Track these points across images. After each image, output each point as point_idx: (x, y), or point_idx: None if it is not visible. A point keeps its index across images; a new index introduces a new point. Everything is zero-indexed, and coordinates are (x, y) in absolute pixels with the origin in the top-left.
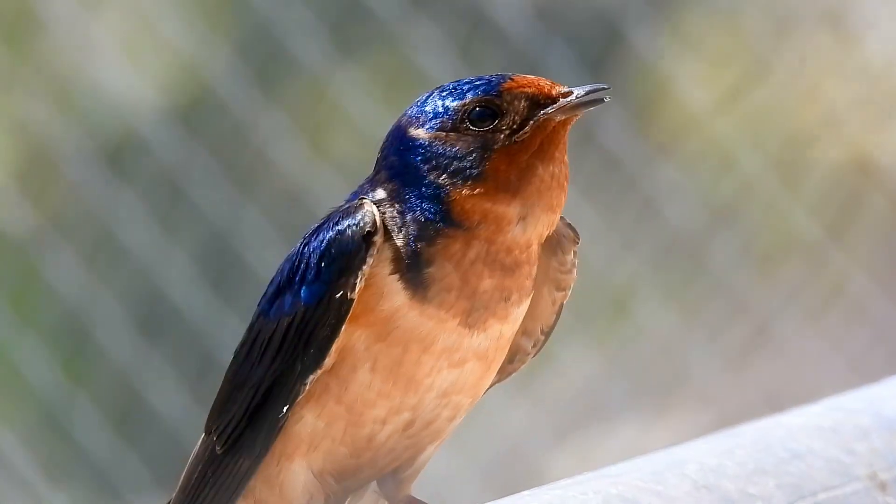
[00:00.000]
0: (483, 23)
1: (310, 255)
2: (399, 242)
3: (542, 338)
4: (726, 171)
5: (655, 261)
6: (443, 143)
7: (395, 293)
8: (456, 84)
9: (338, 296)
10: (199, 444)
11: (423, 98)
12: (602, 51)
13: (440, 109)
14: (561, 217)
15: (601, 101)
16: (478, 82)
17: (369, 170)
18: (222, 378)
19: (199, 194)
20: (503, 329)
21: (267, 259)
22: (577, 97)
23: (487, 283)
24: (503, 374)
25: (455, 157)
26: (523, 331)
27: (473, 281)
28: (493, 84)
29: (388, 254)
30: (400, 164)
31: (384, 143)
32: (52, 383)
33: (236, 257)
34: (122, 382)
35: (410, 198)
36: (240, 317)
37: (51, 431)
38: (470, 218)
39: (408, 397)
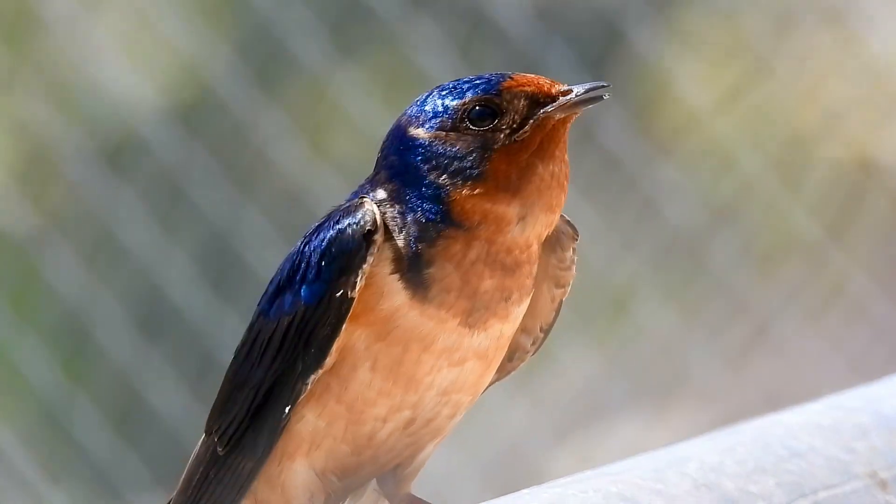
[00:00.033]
0: (483, 23)
1: (310, 254)
2: (399, 242)
3: (542, 336)
4: (726, 170)
5: (655, 260)
6: (443, 143)
7: (395, 293)
8: (456, 83)
9: (338, 295)
10: (199, 444)
11: (423, 97)
12: (602, 50)
13: (440, 109)
14: (560, 214)
15: (601, 98)
16: (477, 81)
17: (369, 170)
18: (222, 378)
19: (199, 194)
20: (504, 328)
21: (267, 259)
22: (576, 95)
23: (488, 284)
24: (502, 372)
25: (455, 157)
26: (522, 328)
27: (474, 281)
28: (492, 83)
29: (388, 253)
30: (400, 163)
31: (384, 142)
32: (52, 383)
33: (236, 257)
34: (123, 382)
35: (411, 198)
36: (240, 316)
37: (51, 431)
38: (470, 218)
39: (408, 396)
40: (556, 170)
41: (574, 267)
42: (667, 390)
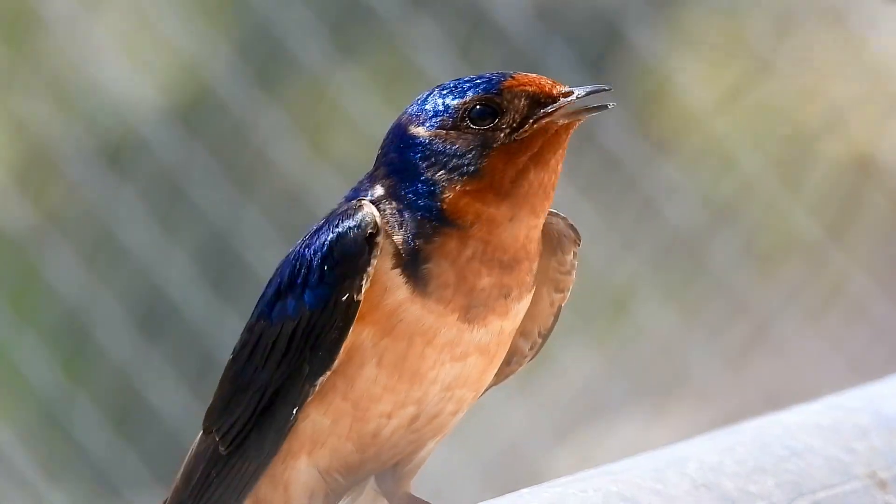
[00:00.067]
0: (483, 22)
1: (311, 258)
2: (398, 238)
3: (540, 340)
4: (726, 170)
5: (655, 260)
6: (443, 141)
7: (397, 287)
8: (456, 82)
9: (344, 298)
10: (196, 442)
11: (424, 96)
12: (602, 50)
13: (440, 107)
14: (563, 217)
15: (605, 107)
16: (478, 80)
17: (369, 170)
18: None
19: (199, 194)
20: (504, 325)
21: (267, 259)
22: (577, 97)
23: (486, 281)
24: (500, 376)
25: (454, 155)
26: (521, 332)
27: (470, 278)
28: (493, 82)
29: (389, 249)
30: (399, 161)
31: (384, 140)
32: (51, 382)
33: (236, 257)
34: (122, 382)
35: (409, 195)
36: (240, 316)
37: (51, 430)
38: (464, 217)
39: (413, 391)
40: (545, 178)
41: (574, 272)
42: (667, 390)
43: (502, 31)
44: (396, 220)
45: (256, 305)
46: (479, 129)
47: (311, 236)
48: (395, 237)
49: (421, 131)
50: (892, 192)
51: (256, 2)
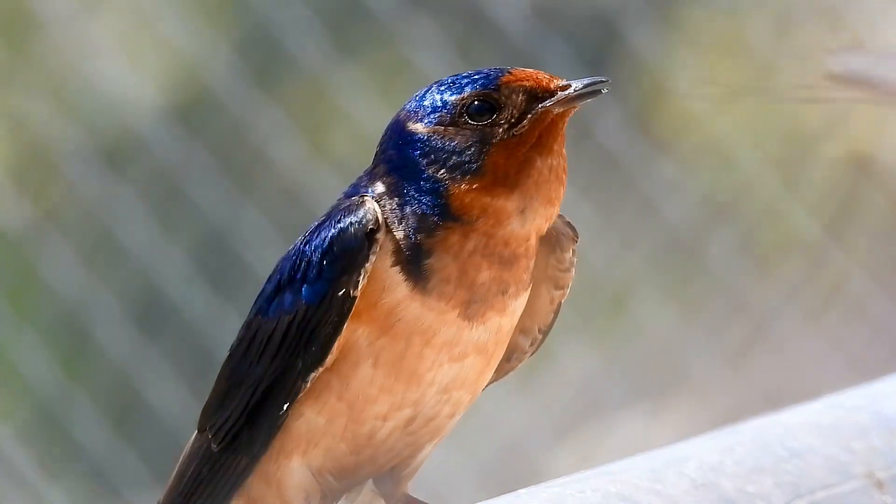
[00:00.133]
0: (482, 21)
1: (311, 253)
2: (399, 235)
3: (540, 337)
4: (725, 169)
5: (655, 259)
6: (441, 138)
7: (396, 285)
8: (454, 78)
9: (340, 293)
10: (191, 441)
11: (422, 92)
12: (601, 49)
13: (439, 104)
14: (560, 215)
15: (599, 92)
16: (476, 76)
17: None
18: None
19: (198, 193)
20: (502, 322)
21: (266, 258)
22: (575, 90)
23: (485, 276)
24: (500, 372)
25: (454, 152)
26: (521, 329)
27: (472, 272)
28: (491, 78)
29: (389, 246)
30: (398, 158)
31: (383, 136)
32: (50, 381)
33: (235, 256)
34: (121, 380)
35: (409, 191)
36: (239, 315)
37: (49, 429)
38: (469, 212)
39: (410, 392)
40: (555, 163)
41: (573, 269)
42: (666, 389)
43: (501, 31)
44: (397, 217)
45: (255, 301)
46: (477, 125)
47: (312, 232)
48: (395, 234)
49: (419, 128)
50: (892, 192)
51: (256, 2)
